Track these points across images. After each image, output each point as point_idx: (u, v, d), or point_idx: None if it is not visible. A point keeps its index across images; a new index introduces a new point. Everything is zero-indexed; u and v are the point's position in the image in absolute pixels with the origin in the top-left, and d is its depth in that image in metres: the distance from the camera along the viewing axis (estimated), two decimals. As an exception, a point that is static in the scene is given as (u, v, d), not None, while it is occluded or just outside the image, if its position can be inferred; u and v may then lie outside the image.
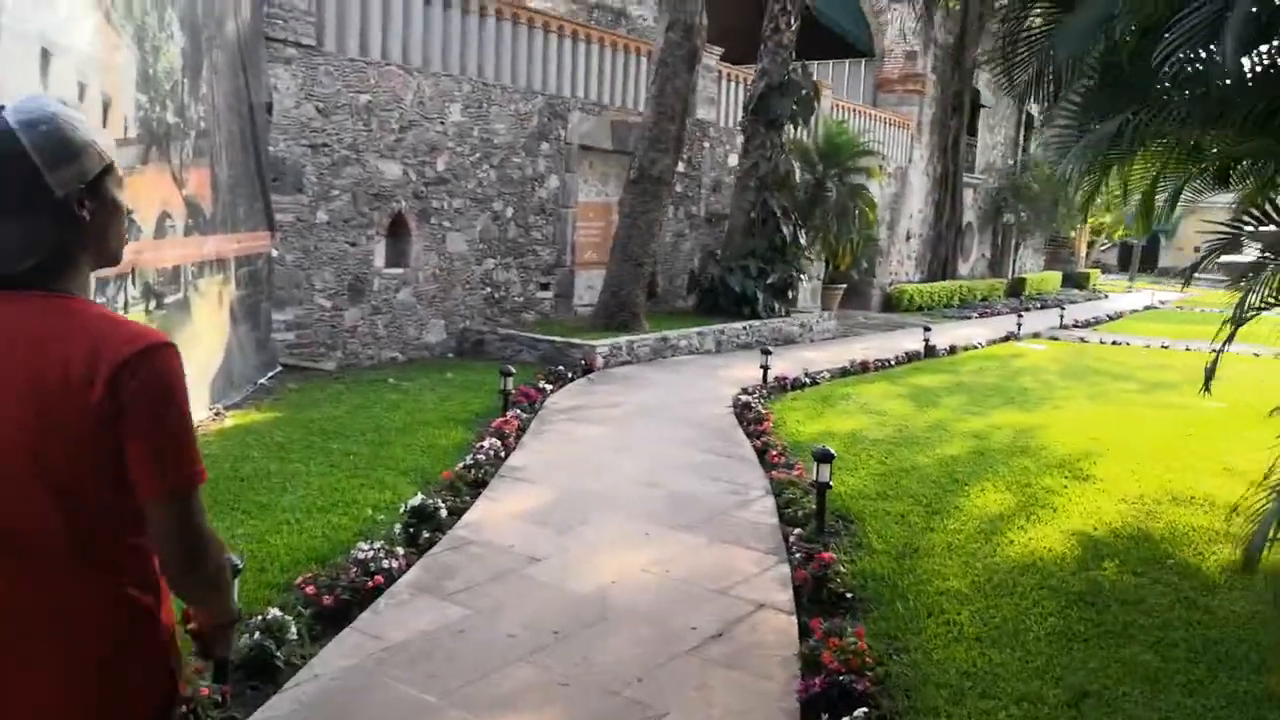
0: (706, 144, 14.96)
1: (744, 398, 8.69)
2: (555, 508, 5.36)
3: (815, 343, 14.01)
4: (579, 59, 12.81)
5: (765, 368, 9.68)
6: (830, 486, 5.25)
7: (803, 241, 14.17)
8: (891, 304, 20.68)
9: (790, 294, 14.01)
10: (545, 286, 12.54)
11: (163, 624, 1.46)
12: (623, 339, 10.82)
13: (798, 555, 4.59)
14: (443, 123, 10.86)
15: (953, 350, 13.66)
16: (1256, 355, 15.03)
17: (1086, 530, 5.35)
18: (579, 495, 5.61)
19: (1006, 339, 15.76)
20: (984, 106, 25.30)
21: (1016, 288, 26.06)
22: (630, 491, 5.73)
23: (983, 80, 24.73)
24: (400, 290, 10.50)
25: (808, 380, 10.12)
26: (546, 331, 11.16)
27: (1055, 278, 29.52)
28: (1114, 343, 16.03)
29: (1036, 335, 16.76)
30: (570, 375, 9.61)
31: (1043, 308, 23.10)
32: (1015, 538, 5.18)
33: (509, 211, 11.82)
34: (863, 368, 11.37)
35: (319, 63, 9.44)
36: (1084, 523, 5.50)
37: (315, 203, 9.57)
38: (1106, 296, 29.40)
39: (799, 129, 14.38)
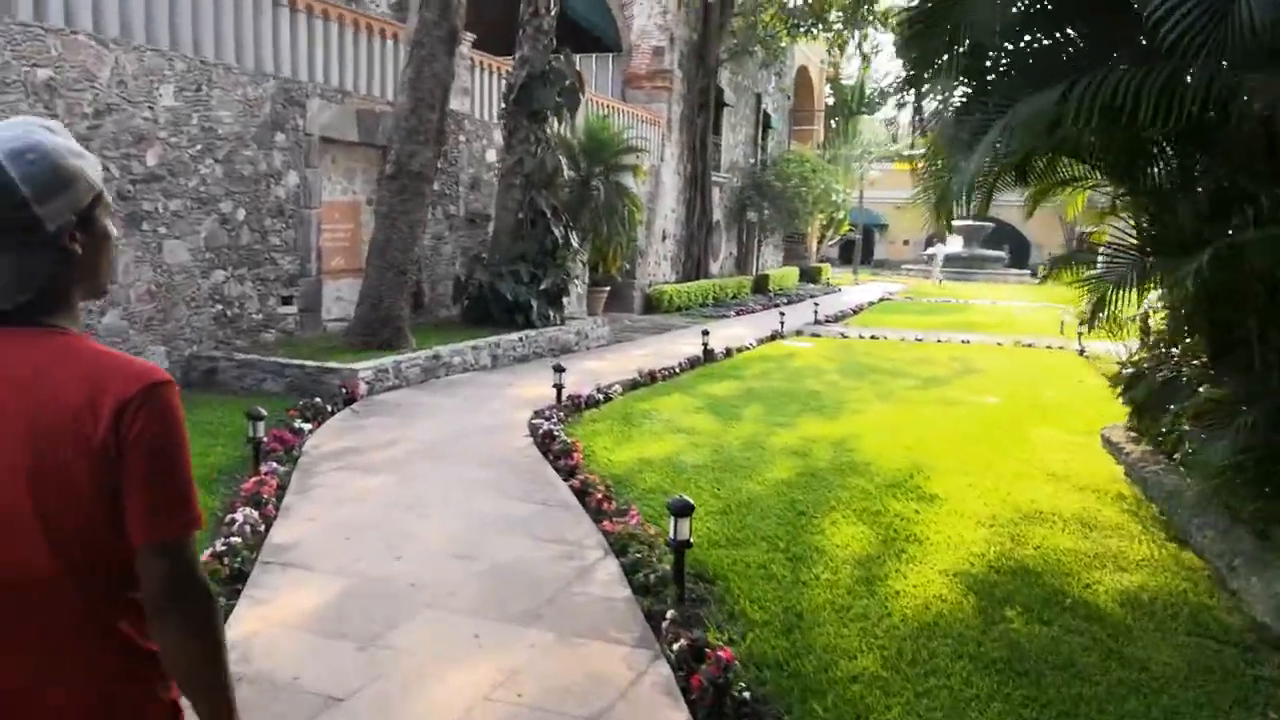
0: (463, 137, 13.71)
1: (542, 423, 7.66)
2: (348, 606, 4.09)
3: (593, 350, 13.18)
4: (316, 39, 11.18)
5: (559, 386, 8.68)
6: (690, 545, 4.36)
7: (575, 243, 13.28)
8: (652, 305, 20.32)
9: (564, 300, 13.09)
10: (288, 300, 10.84)
11: (167, 694, 1.38)
12: (388, 359, 9.43)
13: (676, 647, 3.65)
14: (152, 108, 8.96)
15: (729, 353, 13.29)
16: (999, 344, 15.94)
17: (964, 569, 4.80)
18: (376, 583, 4.36)
19: (773, 338, 15.70)
20: (727, 105, 25.63)
21: (761, 284, 26.66)
22: (441, 569, 4.55)
23: (724, 78, 25.06)
24: (106, 313, 8.52)
25: (601, 396, 9.23)
26: (294, 354, 9.54)
27: (794, 273, 30.62)
28: (872, 337, 16.42)
29: (799, 333, 16.88)
30: (330, 408, 8.14)
31: (789, 303, 23.66)
32: (898, 586, 4.54)
33: (240, 214, 10.05)
34: (651, 378, 10.66)
35: (-23, 26, 7.38)
36: (956, 558, 4.96)
37: (-20, 205, 7.48)
38: (840, 290, 30.82)
39: (564, 122, 13.47)
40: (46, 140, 1.32)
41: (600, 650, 3.75)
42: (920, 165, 6.54)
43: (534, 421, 7.88)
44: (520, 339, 11.71)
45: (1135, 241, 6.25)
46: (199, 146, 9.48)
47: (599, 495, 5.70)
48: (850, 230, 40.24)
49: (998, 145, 3.99)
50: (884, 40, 35.76)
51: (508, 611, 4.07)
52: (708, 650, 3.53)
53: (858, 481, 6.42)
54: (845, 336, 16.55)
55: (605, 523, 5.24)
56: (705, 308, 21.50)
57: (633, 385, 10.18)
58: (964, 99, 4.63)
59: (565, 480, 6.19)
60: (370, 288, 10.24)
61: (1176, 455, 6.54)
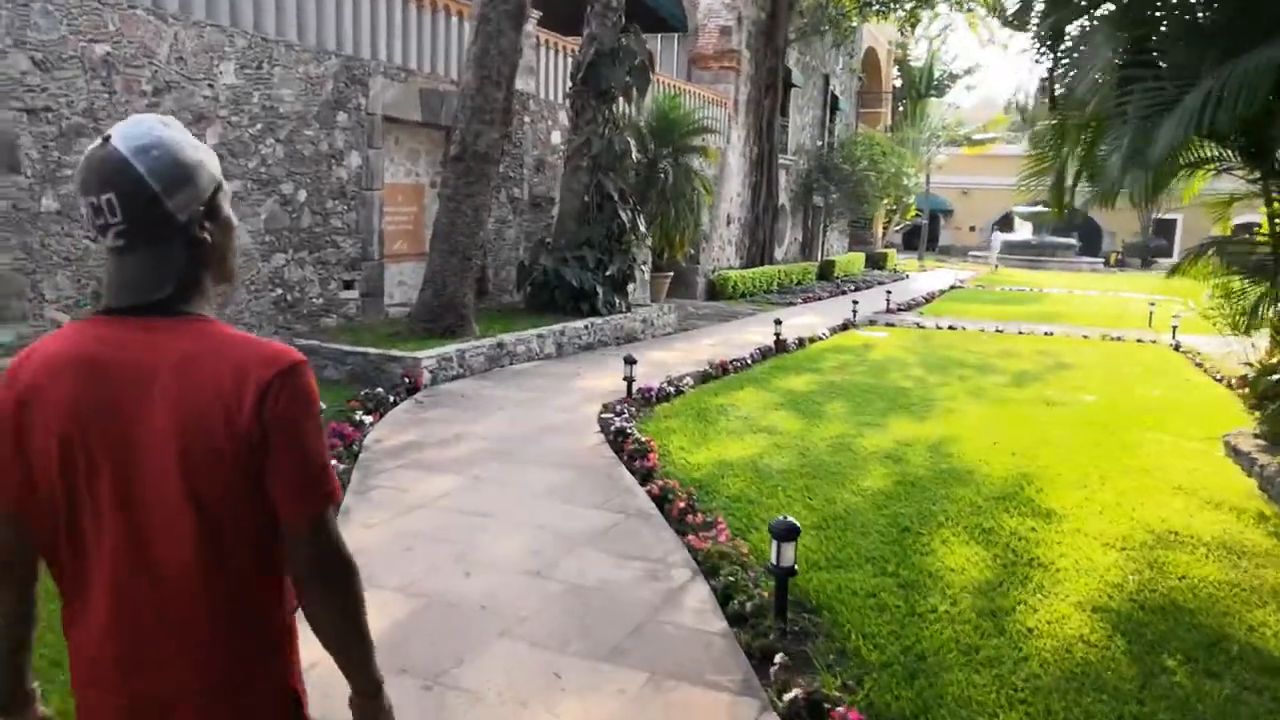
0: (527, 118, 13.27)
1: (613, 419, 7.20)
2: (412, 633, 3.66)
3: (659, 339, 12.69)
4: (380, 16, 10.80)
5: (630, 379, 8.21)
6: (795, 572, 3.86)
7: (642, 228, 12.77)
8: (715, 291, 19.75)
9: (630, 286, 12.60)
10: (349, 285, 10.53)
11: (292, 670, 1.45)
12: (452, 347, 9.04)
13: (788, 698, 3.15)
14: (211, 85, 8.66)
15: (801, 343, 12.71)
16: (1085, 337, 15.10)
17: (1102, 602, 4.23)
18: (442, 605, 3.93)
19: (845, 327, 15.07)
20: (794, 86, 24.85)
21: (827, 270, 25.90)
22: (514, 590, 4.11)
23: (792, 59, 24.27)
24: (163, 296, 8.24)
25: (672, 390, 8.74)
26: (355, 340, 9.21)
27: (860, 259, 29.76)
28: (949, 327, 15.68)
29: (872, 322, 16.22)
30: (393, 398, 7.77)
31: (856, 290, 22.95)
32: (1030, 622, 3.98)
33: (301, 195, 9.73)
34: (722, 370, 10.14)
35: (33, -2, 7.09)
36: (1090, 588, 4.39)
37: (39, 186, 7.24)
38: (908, 276, 29.92)
39: (632, 102, 12.95)
40: (166, 135, 1.35)
41: (699, 698, 3.26)
42: (1034, 147, 5.91)
43: (604, 417, 7.43)
44: (586, 327, 11.26)
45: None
46: (259, 126, 9.17)
47: (680, 504, 5.22)
48: (917, 215, 39.15)
49: (1205, 111, 3.36)
50: (957, 20, 34.35)
51: (591, 644, 3.60)
52: (829, 706, 3.03)
53: (963, 492, 5.84)
54: (921, 326, 15.84)
55: (690, 537, 4.75)
56: (770, 294, 20.88)
57: (704, 377, 9.68)
58: (1120, 66, 4.00)
59: (642, 485, 5.72)
60: (434, 273, 9.86)
61: (1323, 470, 5.86)
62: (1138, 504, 5.72)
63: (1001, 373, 11.03)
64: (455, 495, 5.42)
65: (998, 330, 15.43)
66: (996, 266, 35.54)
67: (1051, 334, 15.23)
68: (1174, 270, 6.61)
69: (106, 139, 1.34)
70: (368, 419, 6.98)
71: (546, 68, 14.09)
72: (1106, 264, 43.11)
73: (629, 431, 6.79)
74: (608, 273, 11.87)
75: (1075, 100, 4.69)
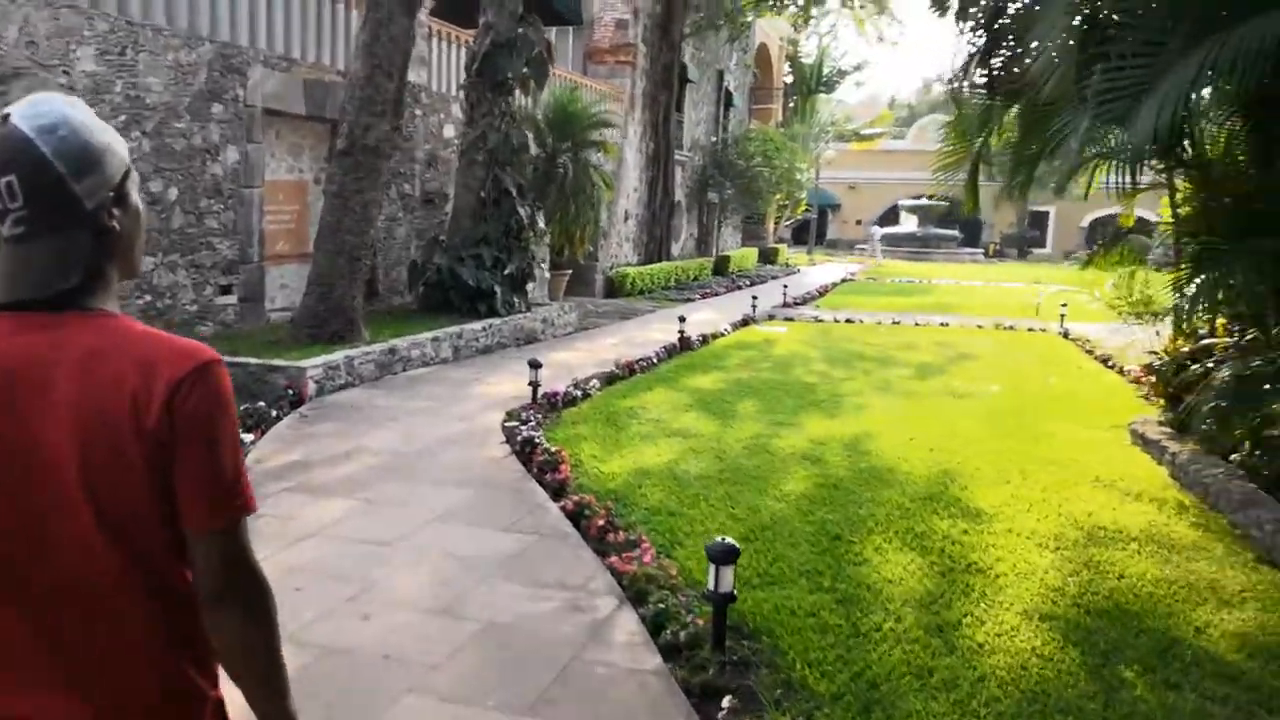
0: (419, 111, 12.67)
1: (519, 428, 6.77)
2: (305, 694, 3.18)
3: (560, 339, 12.28)
4: (259, 0, 10.10)
5: (535, 384, 7.79)
6: (735, 598, 3.54)
7: (541, 224, 12.32)
8: (614, 288, 19.44)
9: (529, 285, 12.15)
10: (226, 290, 9.79)
11: (214, 689, 1.31)
12: (339, 355, 8.44)
13: (738, 746, 2.82)
14: (68, 73, 7.87)
15: (705, 340, 12.50)
16: (979, 326, 15.35)
17: (1048, 609, 4.05)
18: (339, 655, 3.46)
19: (745, 323, 14.95)
20: (690, 82, 24.72)
21: (722, 265, 25.90)
22: (421, 633, 3.66)
23: (687, 54, 24.12)
24: (12, 306, 7.44)
25: (579, 393, 8.36)
26: (233, 350, 8.49)
27: (753, 254, 29.95)
28: (846, 320, 15.75)
29: (771, 317, 16.16)
30: (275, 412, 7.16)
31: (751, 284, 22.99)
32: (979, 637, 3.76)
33: (172, 194, 8.97)
34: (629, 370, 9.81)
35: None
36: (1033, 594, 4.21)
37: None
38: (800, 271, 30.25)
39: (529, 95, 12.49)
40: (73, 115, 1.25)
41: (638, 751, 2.91)
42: (949, 137, 5.75)
43: (509, 425, 7.00)
44: (484, 328, 10.77)
45: (1194, 223, 5.52)
46: (123, 117, 8.40)
47: (599, 521, 4.85)
48: (807, 210, 39.67)
49: (1195, 86, 3.16)
50: (846, 16, 34.68)
51: (512, 695, 3.20)
52: (786, 756, 2.72)
53: (888, 494, 5.65)
54: (820, 320, 15.85)
55: (613, 558, 4.39)
56: (668, 290, 20.73)
57: (610, 379, 9.33)
58: (1083, 43, 3.82)
59: (555, 501, 5.32)
60: (319, 274, 9.22)
61: (1235, 456, 5.89)
62: (1062, 499, 5.63)
63: (904, 365, 11.02)
64: (348, 521, 4.91)
65: (894, 322, 15.57)
66: (880, 260, 36.55)
67: (947, 324, 15.45)
68: (1088, 262, 6.60)
69: (5, 117, 1.23)
70: (248, 437, 6.38)
71: (440, 59, 13.51)
72: (986, 255, 44.62)
73: (537, 441, 6.38)
74: (506, 271, 11.40)
75: (1024, 80, 4.50)
